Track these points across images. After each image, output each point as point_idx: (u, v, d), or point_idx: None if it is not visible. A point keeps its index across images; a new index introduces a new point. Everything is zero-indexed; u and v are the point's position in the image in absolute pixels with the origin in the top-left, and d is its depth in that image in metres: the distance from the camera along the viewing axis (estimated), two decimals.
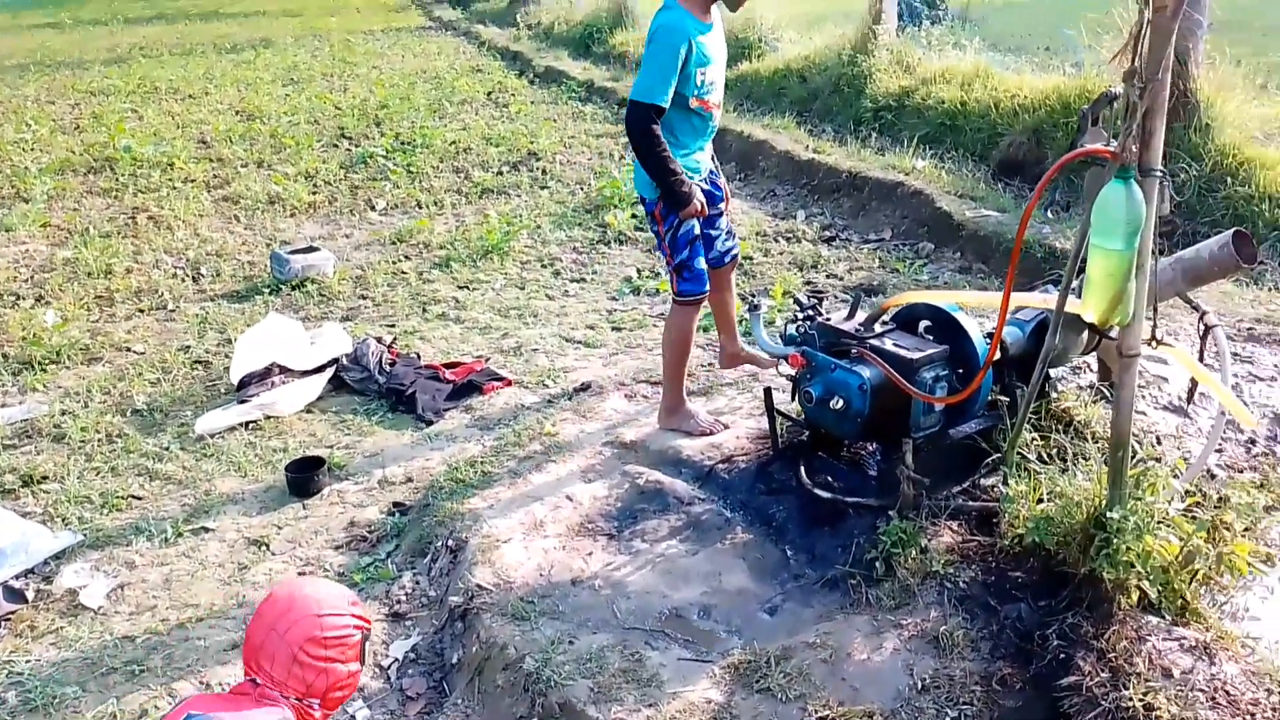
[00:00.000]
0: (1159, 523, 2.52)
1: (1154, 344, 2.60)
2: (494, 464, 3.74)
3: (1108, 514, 2.49)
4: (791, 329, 3.36)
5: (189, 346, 5.04)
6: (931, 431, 3.06)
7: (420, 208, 7.33)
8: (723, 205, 3.86)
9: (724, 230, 3.90)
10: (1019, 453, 2.94)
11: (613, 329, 5.07)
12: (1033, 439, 3.03)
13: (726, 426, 3.75)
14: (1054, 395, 3.38)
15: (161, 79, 12.84)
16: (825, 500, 3.16)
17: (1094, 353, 3.38)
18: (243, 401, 4.31)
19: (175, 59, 15.04)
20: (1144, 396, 3.59)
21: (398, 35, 17.70)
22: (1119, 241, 2.25)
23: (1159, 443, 3.31)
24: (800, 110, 8.87)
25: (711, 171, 3.76)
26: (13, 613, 3.14)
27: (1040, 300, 3.11)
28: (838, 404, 3.00)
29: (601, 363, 4.64)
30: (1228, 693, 2.32)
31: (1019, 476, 2.85)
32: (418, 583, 3.23)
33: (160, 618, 3.12)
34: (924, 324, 3.18)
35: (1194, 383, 3.17)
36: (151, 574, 3.34)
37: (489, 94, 11.39)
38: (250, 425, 4.23)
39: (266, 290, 5.73)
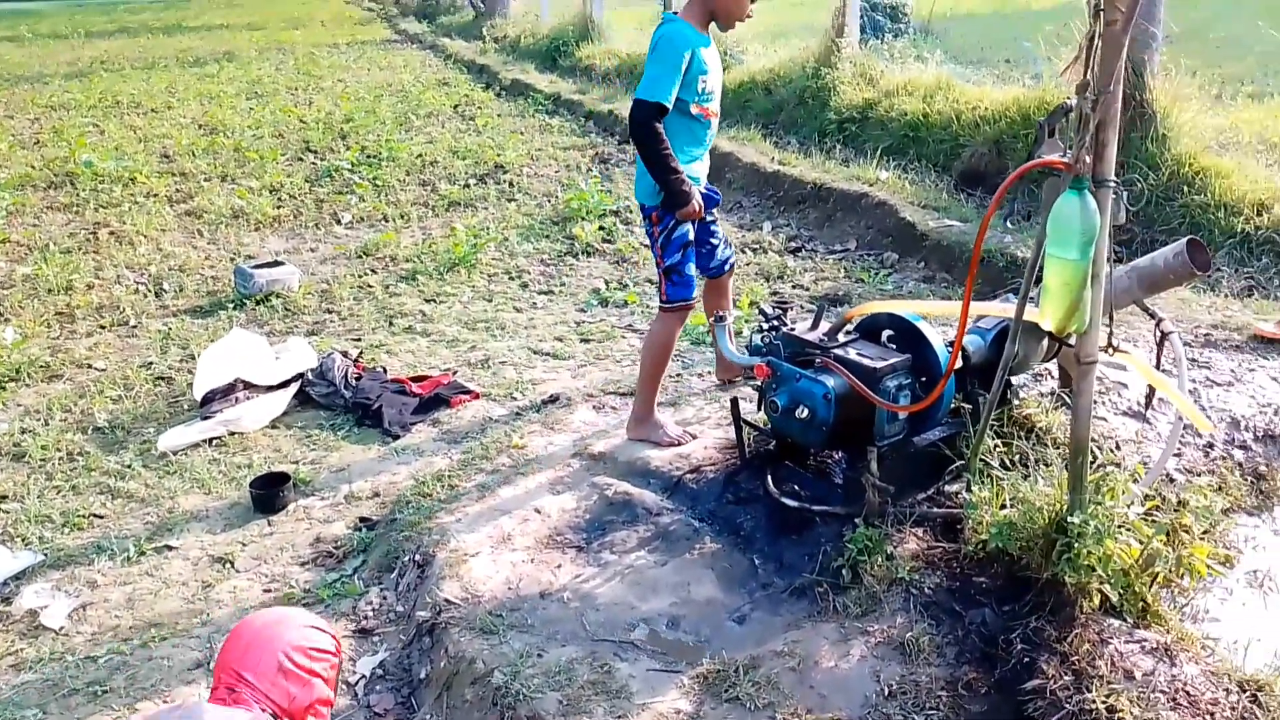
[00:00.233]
0: (1119, 527, 2.55)
1: (1111, 351, 2.64)
2: (461, 477, 3.73)
3: (1069, 519, 2.52)
4: (757, 339, 3.38)
5: (151, 363, 4.98)
6: (896, 439, 3.09)
7: (386, 221, 7.30)
8: (716, 212, 3.93)
9: (722, 239, 3.97)
10: (982, 459, 2.98)
11: (581, 341, 5.08)
12: (995, 446, 3.06)
13: (695, 437, 3.77)
14: (1016, 402, 3.43)
15: (123, 93, 12.71)
16: (792, 509, 3.18)
17: (1054, 360, 3.43)
18: (206, 418, 4.26)
19: (137, 73, 14.90)
20: (1104, 402, 3.65)
21: (363, 48, 17.65)
22: (1074, 251, 2.29)
23: (1118, 448, 3.37)
24: (766, 122, 8.95)
25: (709, 185, 3.82)
26: None
27: (1000, 309, 3.16)
28: (803, 413, 3.02)
29: (570, 374, 4.64)
30: (1188, 693, 2.35)
31: (982, 483, 2.88)
32: (385, 598, 3.21)
33: (123, 638, 3.07)
34: (887, 333, 3.22)
35: (1152, 388, 3.22)
36: (114, 593, 3.29)
37: (455, 107, 11.38)
38: (214, 441, 4.19)
39: (230, 305, 5.68)
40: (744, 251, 6.24)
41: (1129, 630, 2.53)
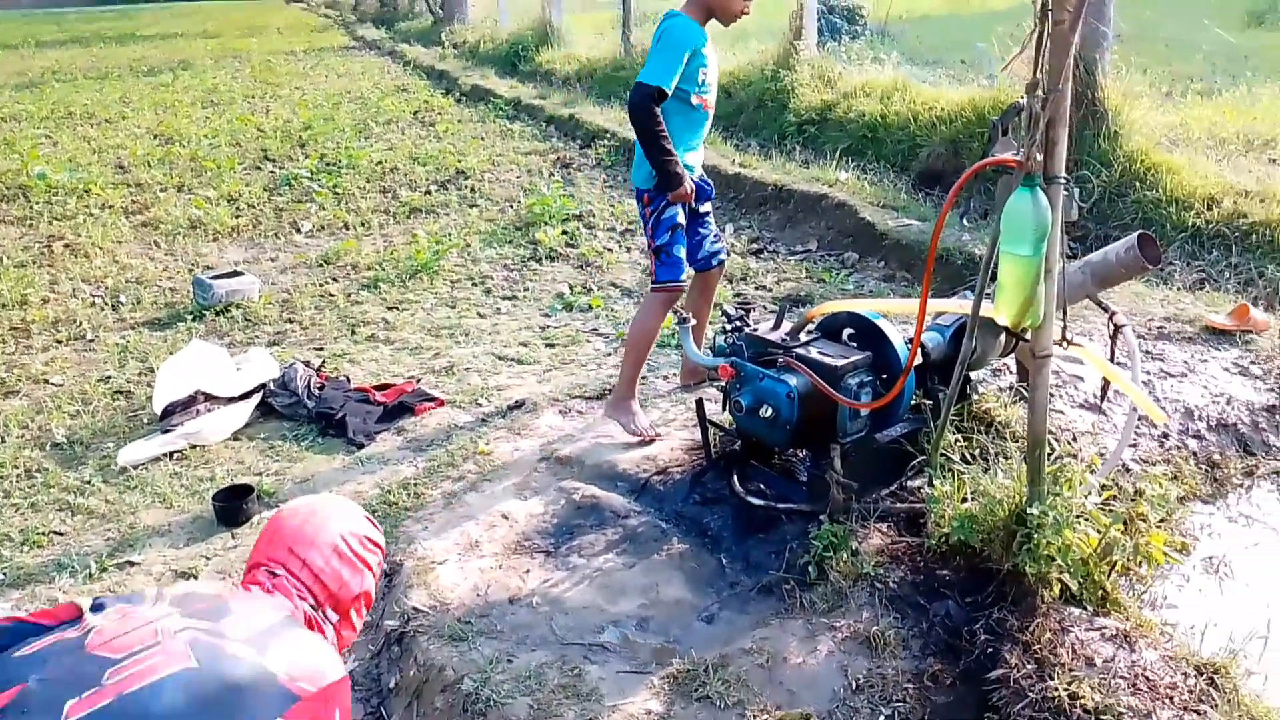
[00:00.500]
0: (1077, 517, 2.60)
1: (1065, 344, 2.69)
2: (427, 485, 3.72)
3: (1028, 510, 2.57)
4: (720, 340, 3.41)
5: (109, 377, 4.91)
6: (858, 436, 3.12)
7: (347, 229, 7.25)
8: (708, 205, 4.04)
9: (712, 232, 4.07)
10: (943, 454, 3.02)
11: (546, 345, 5.08)
12: (956, 440, 3.11)
13: (660, 437, 3.79)
14: (975, 397, 3.48)
15: (76, 104, 12.51)
16: (758, 508, 3.21)
17: (1012, 355, 3.49)
18: (166, 431, 4.21)
19: (90, 83, 14.68)
20: (1061, 396, 3.72)
21: (320, 55, 17.52)
22: (1027, 247, 2.33)
23: (1076, 440, 3.43)
24: (726, 125, 8.99)
25: (703, 178, 3.94)
26: None
27: (958, 306, 3.20)
28: (767, 412, 3.05)
29: (535, 380, 4.64)
30: (1147, 678, 2.40)
31: (943, 477, 2.93)
32: None
33: None
34: (848, 332, 3.25)
35: (1107, 381, 3.28)
36: None
37: (415, 113, 11.32)
38: (175, 455, 4.14)
39: (189, 317, 5.62)
40: None
41: (1089, 618, 2.58)
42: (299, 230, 7.25)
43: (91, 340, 5.40)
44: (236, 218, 7.46)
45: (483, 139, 9.80)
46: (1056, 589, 2.60)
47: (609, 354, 4.88)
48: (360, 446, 4.14)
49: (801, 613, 2.80)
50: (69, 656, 1.64)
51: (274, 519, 2.03)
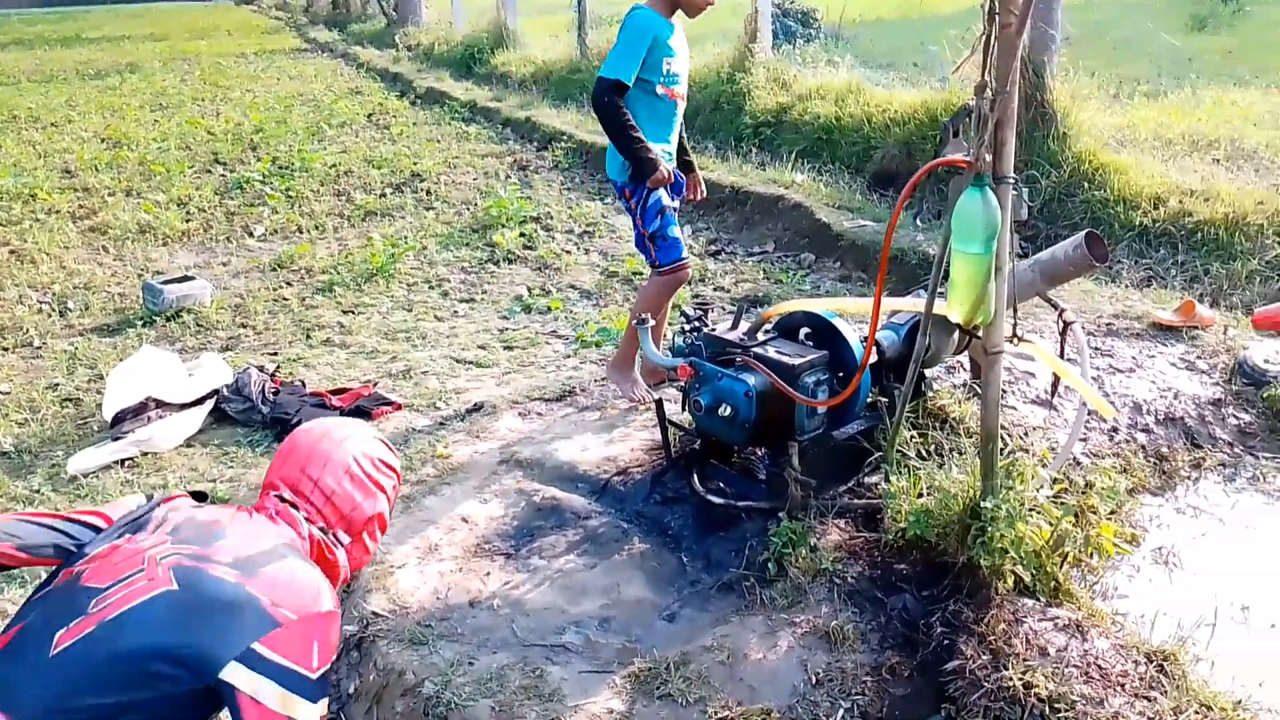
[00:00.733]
0: (1029, 510, 2.65)
1: (1015, 341, 2.74)
2: None
3: (982, 504, 2.61)
4: (679, 340, 3.42)
5: (58, 384, 4.82)
6: (816, 434, 3.15)
7: (301, 232, 7.17)
8: (678, 202, 4.09)
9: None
10: (899, 450, 3.06)
11: (505, 348, 5.06)
12: (911, 437, 3.15)
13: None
14: (930, 394, 3.54)
15: (20, 107, 12.24)
16: (718, 506, 3.23)
17: (965, 353, 3.54)
18: (117, 438, 4.14)
19: (35, 86, 14.38)
20: (1013, 392, 3.78)
21: (271, 58, 17.31)
22: (978, 245, 2.37)
23: (1027, 435, 3.49)
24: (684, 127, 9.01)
25: (675, 171, 3.99)
26: None
27: (912, 304, 3.25)
28: (726, 411, 3.07)
29: (494, 382, 4.62)
30: (1100, 666, 2.46)
31: (899, 473, 2.97)
32: None
33: None
34: (804, 331, 3.29)
35: (1057, 377, 3.35)
36: None
37: (369, 116, 11.23)
38: (126, 462, 4.07)
39: (139, 323, 5.52)
40: None
41: (1042, 609, 2.63)
42: (251, 234, 7.16)
43: (39, 348, 5.29)
44: (187, 222, 7.35)
45: (438, 142, 9.75)
46: (1010, 581, 2.65)
47: (568, 355, 4.88)
48: None
49: (761, 609, 2.82)
50: (66, 590, 1.76)
51: (289, 439, 2.06)
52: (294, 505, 1.97)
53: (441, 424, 4.22)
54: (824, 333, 3.24)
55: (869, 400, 3.29)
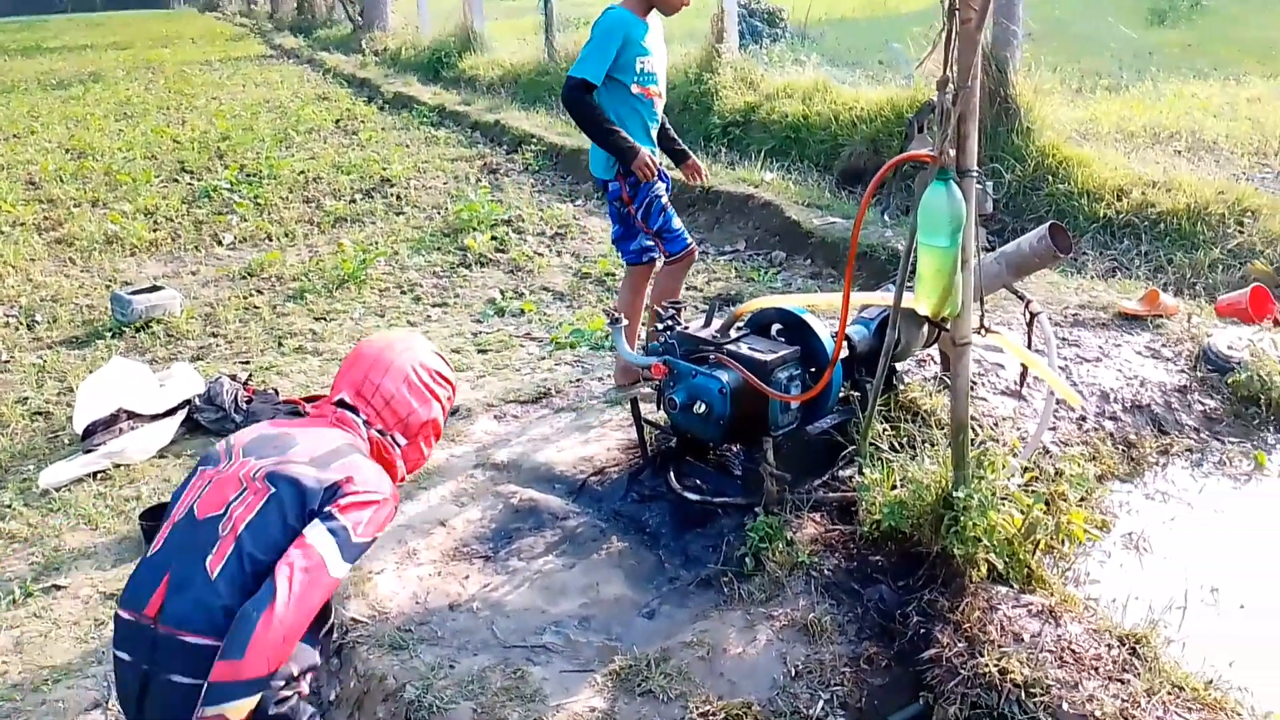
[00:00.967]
0: (1001, 499, 2.69)
1: (984, 333, 2.78)
2: None
3: (954, 494, 2.65)
4: (651, 341, 3.44)
5: (27, 398, 4.77)
6: (790, 429, 3.18)
7: (270, 240, 7.13)
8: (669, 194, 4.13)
9: None
10: (872, 443, 3.10)
11: (479, 352, 5.06)
12: (884, 430, 3.19)
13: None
14: (901, 387, 3.57)
15: None
16: (695, 503, 3.25)
17: (935, 346, 3.58)
18: (89, 451, 4.10)
19: None
20: (982, 383, 3.83)
21: (237, 65, 17.17)
22: (943, 238, 2.41)
23: (997, 425, 3.53)
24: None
25: (660, 167, 4.02)
26: None
27: (881, 298, 3.28)
28: (700, 408, 3.09)
29: (469, 386, 4.62)
30: (1073, 651, 2.50)
31: (873, 466, 3.00)
32: None
33: (12, 683, 2.93)
34: (776, 327, 3.31)
35: (1025, 368, 3.39)
36: (0, 638, 3.15)
37: (337, 122, 11.17)
38: (98, 475, 4.03)
39: (108, 334, 5.47)
40: None
41: (1015, 596, 2.66)
42: (220, 242, 7.11)
43: (6, 361, 5.23)
44: (154, 231, 7.28)
45: (407, 146, 9.72)
46: (984, 569, 2.68)
47: (543, 358, 4.89)
48: None
49: (740, 604, 2.84)
50: (187, 530, 2.11)
51: (356, 348, 2.36)
52: (354, 409, 2.28)
53: None
54: (795, 328, 3.27)
55: (841, 394, 3.32)
